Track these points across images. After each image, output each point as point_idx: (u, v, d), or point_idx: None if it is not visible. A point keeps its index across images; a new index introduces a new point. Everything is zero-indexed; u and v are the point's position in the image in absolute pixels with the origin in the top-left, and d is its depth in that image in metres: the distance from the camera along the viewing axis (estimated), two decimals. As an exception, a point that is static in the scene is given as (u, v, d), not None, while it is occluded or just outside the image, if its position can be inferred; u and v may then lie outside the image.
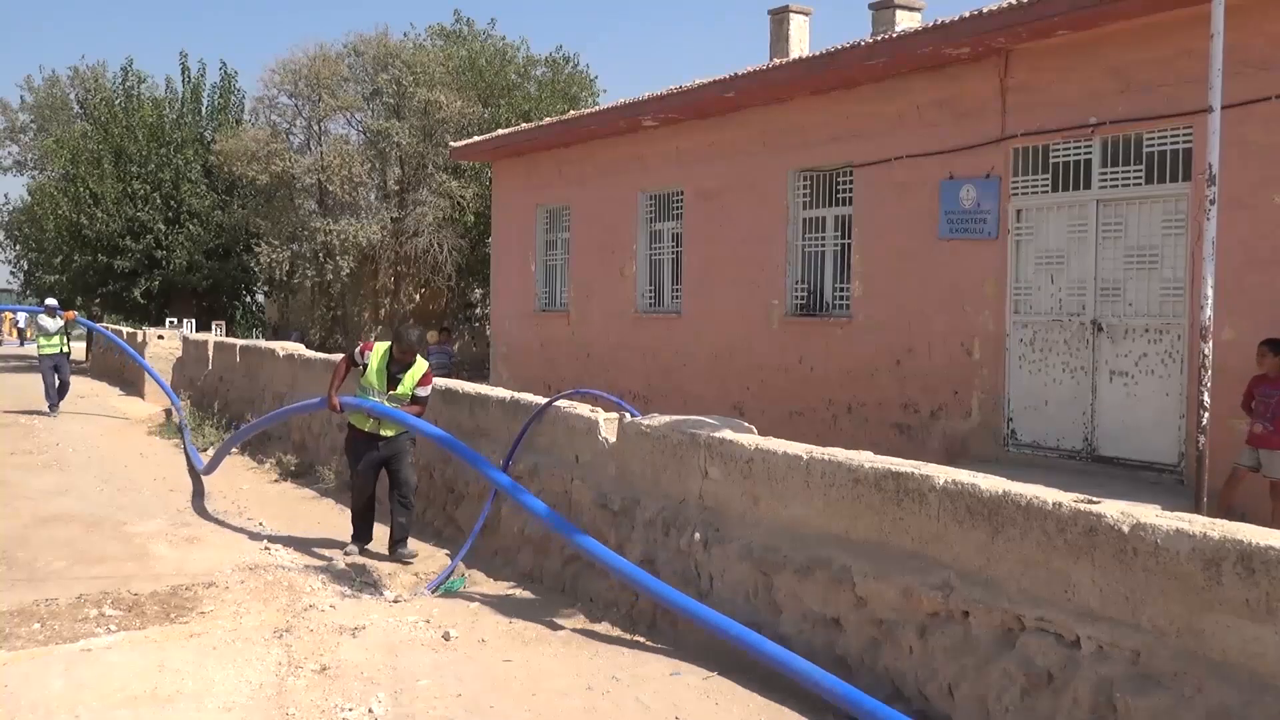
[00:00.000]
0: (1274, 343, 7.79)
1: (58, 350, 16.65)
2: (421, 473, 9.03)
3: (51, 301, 17.40)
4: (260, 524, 8.97)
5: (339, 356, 9.03)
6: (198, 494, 10.21)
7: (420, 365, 7.69)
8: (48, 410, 16.09)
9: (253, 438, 12.69)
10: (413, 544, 7.97)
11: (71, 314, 17.74)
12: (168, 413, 15.61)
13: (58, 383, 16.59)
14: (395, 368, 7.62)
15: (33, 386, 19.92)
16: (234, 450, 12.99)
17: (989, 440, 10.08)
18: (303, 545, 8.19)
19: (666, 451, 6.10)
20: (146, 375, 19.56)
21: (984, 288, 10.16)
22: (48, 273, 30.11)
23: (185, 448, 12.45)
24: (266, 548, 8.01)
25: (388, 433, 7.74)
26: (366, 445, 7.77)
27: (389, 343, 7.66)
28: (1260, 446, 7.78)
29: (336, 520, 9.05)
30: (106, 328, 22.55)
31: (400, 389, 7.62)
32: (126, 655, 5.36)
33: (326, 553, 7.94)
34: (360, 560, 7.82)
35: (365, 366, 7.65)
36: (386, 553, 7.84)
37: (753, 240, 12.85)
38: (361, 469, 7.82)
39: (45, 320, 16.78)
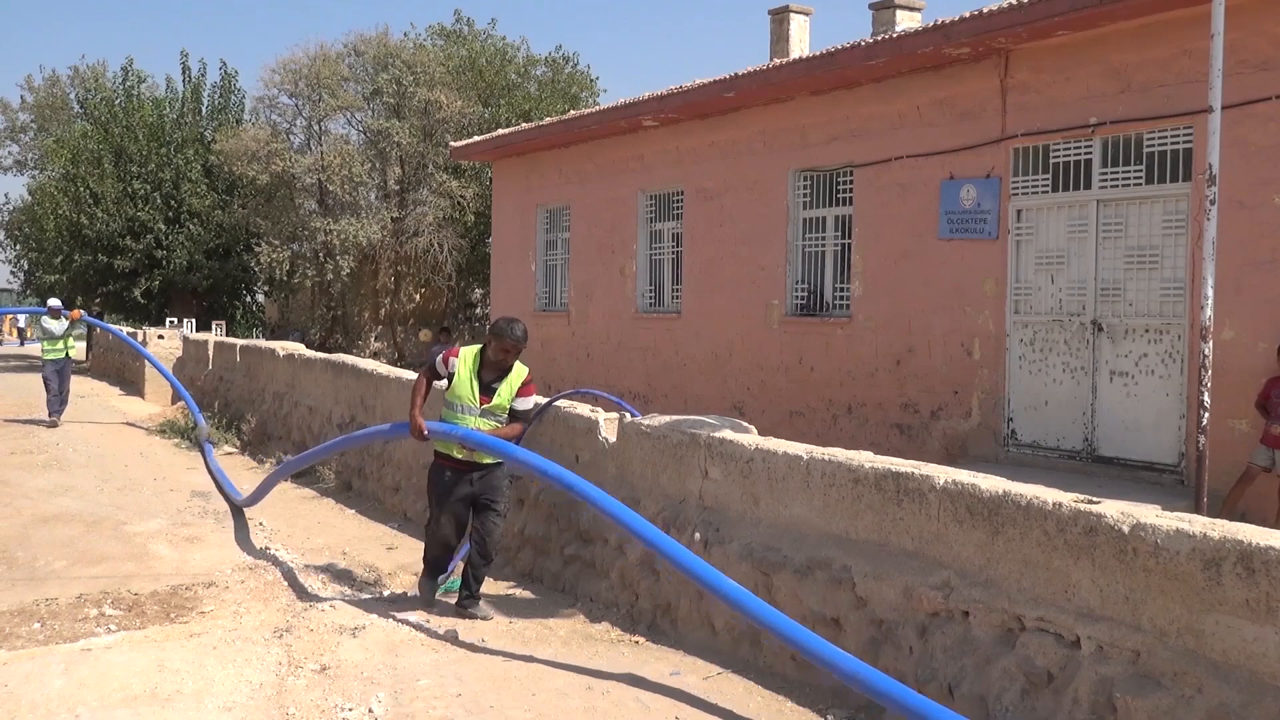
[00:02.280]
0: None
1: (62, 355, 15.57)
2: (420, 472, 9.03)
3: (54, 302, 16.16)
4: (260, 524, 8.97)
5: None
6: (240, 527, 8.74)
7: (520, 371, 6.21)
8: (48, 419, 15.12)
9: (252, 438, 12.72)
10: (414, 545, 7.91)
11: (77, 313, 16.56)
12: (184, 417, 15.45)
13: (60, 390, 15.49)
14: (489, 374, 6.16)
15: (33, 387, 19.95)
16: (233, 450, 13.03)
17: (989, 440, 10.08)
18: (303, 545, 8.19)
19: (666, 451, 6.10)
20: (147, 375, 19.59)
21: (984, 288, 10.16)
22: (48, 272, 30.11)
23: (212, 471, 11.21)
24: (266, 548, 8.01)
25: (486, 461, 6.22)
26: (456, 478, 6.23)
27: (479, 346, 6.28)
28: (1277, 447, 7.81)
29: (336, 520, 9.06)
30: (122, 329, 21.48)
31: (496, 400, 6.15)
32: (126, 655, 5.36)
33: (326, 552, 7.94)
34: (450, 619, 6.19)
35: (452, 377, 6.24)
36: (452, 602, 6.41)
37: (753, 240, 12.85)
38: (447, 507, 6.27)
39: (49, 322, 15.71)
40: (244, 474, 11.54)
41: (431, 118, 23.47)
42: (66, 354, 15.55)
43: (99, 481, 10.66)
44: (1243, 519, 6.82)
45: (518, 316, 6.48)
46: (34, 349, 38.06)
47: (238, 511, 9.30)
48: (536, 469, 5.79)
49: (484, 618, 6.11)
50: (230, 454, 12.82)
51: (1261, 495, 7.99)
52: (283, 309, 29.96)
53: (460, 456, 6.18)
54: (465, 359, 6.22)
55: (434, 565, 6.51)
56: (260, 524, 8.94)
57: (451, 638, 5.71)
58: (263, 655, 5.40)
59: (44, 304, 17.57)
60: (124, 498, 9.87)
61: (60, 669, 5.14)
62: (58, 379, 15.24)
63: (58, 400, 15.19)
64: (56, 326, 15.50)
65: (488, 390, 6.16)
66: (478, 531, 6.27)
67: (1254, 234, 8.17)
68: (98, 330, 17.81)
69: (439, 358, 6.28)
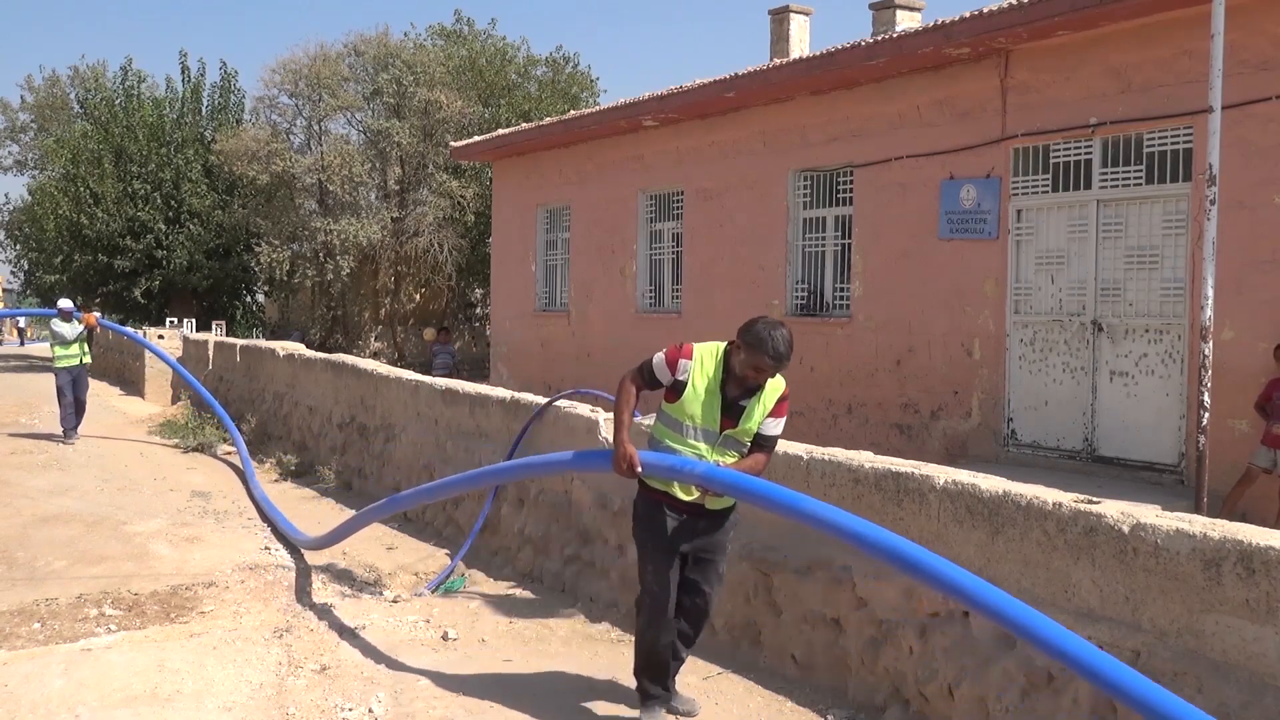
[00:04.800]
0: None
1: (77, 362, 13.67)
2: (421, 472, 9.03)
3: (65, 303, 14.08)
4: (261, 524, 8.96)
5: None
6: (303, 573, 7.36)
7: (776, 385, 4.42)
8: (61, 435, 13.38)
9: (252, 438, 12.71)
10: (414, 545, 7.88)
11: (92, 316, 14.40)
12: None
13: (74, 402, 13.58)
14: (735, 389, 4.36)
15: (33, 387, 19.95)
16: (232, 450, 13.02)
17: (989, 440, 10.08)
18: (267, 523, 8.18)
19: (666, 451, 6.08)
20: (147, 375, 19.60)
21: (984, 288, 10.16)
22: (48, 272, 30.13)
23: (256, 498, 9.77)
24: (266, 548, 8.01)
25: (716, 505, 4.50)
26: (678, 523, 4.47)
27: (720, 347, 4.43)
28: (1278, 448, 7.81)
29: (336, 520, 9.04)
30: (142, 334, 19.66)
31: (744, 423, 4.37)
32: (126, 655, 5.36)
33: (326, 552, 7.94)
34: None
35: (681, 387, 4.38)
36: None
37: (753, 240, 12.85)
38: (664, 557, 4.47)
39: (60, 326, 13.67)
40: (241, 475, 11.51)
41: (431, 118, 23.47)
42: (81, 360, 13.71)
43: (99, 481, 10.66)
44: (1243, 519, 6.83)
45: (779, 321, 4.33)
46: (34, 349, 38.09)
47: (292, 549, 7.99)
48: (833, 525, 3.94)
49: (688, 713, 4.65)
50: (230, 454, 12.82)
51: (1262, 496, 7.99)
52: (283, 309, 29.95)
53: (688, 498, 4.41)
54: (703, 364, 4.37)
55: (658, 662, 4.52)
56: (260, 524, 8.93)
57: (451, 638, 5.71)
58: (263, 655, 5.40)
59: (46, 305, 16.80)
60: (124, 498, 9.87)
61: (60, 669, 5.14)
62: (73, 388, 13.47)
63: (73, 414, 13.46)
64: (69, 330, 13.64)
65: (732, 410, 4.35)
66: (689, 598, 4.52)
67: (1254, 234, 8.17)
68: (97, 330, 16.83)
69: (661, 360, 4.41)
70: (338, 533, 7.24)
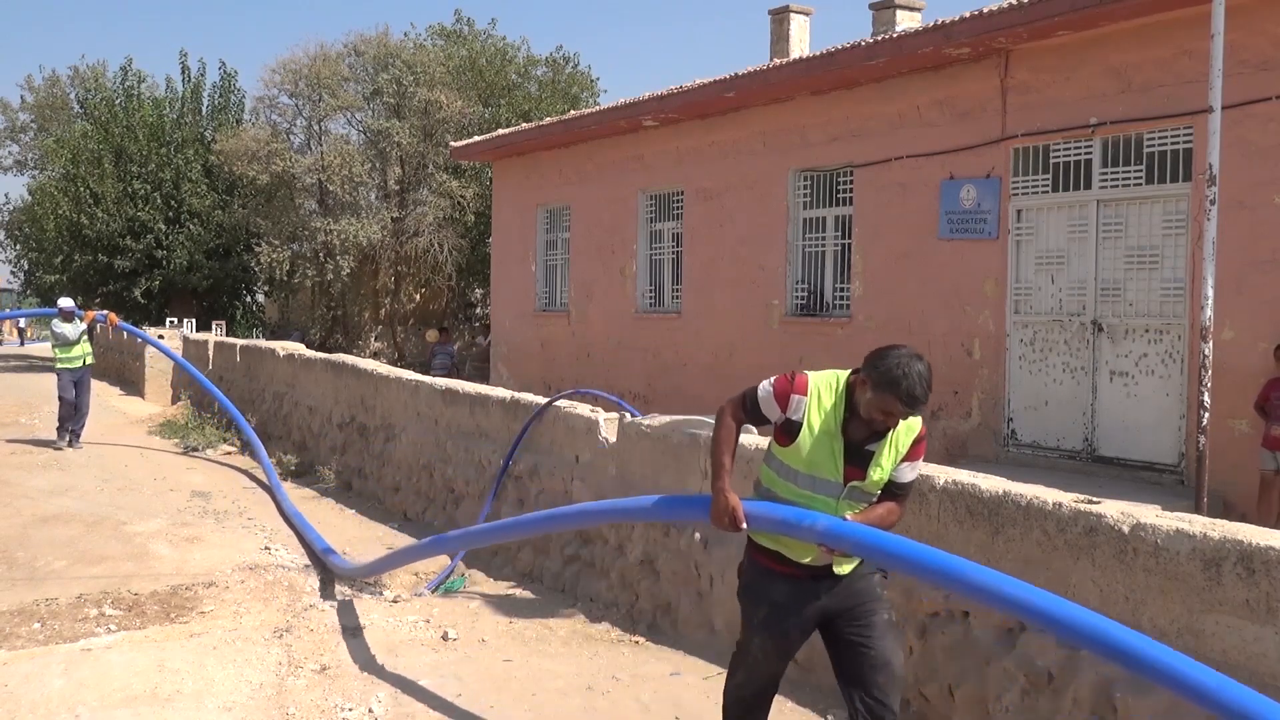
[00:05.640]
0: None
1: (80, 364, 13.12)
2: (420, 472, 9.03)
3: (66, 302, 13.45)
4: (260, 524, 8.96)
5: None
6: (303, 573, 7.31)
7: (911, 425, 3.61)
8: (55, 441, 12.87)
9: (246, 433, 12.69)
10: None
11: (92, 314, 13.72)
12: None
13: (76, 406, 13.02)
14: (860, 431, 3.54)
15: (33, 387, 19.95)
16: (232, 450, 13.02)
17: (989, 440, 10.07)
18: (303, 545, 8.19)
19: (667, 452, 6.10)
20: (146, 375, 19.60)
21: (984, 288, 10.16)
22: (48, 272, 30.13)
23: (285, 511, 9.20)
24: (266, 548, 8.01)
25: (844, 568, 3.66)
26: (794, 590, 3.67)
27: (840, 377, 3.60)
28: (1278, 449, 7.82)
29: (336, 520, 9.06)
30: (154, 334, 18.77)
31: (873, 474, 3.56)
32: (126, 655, 5.36)
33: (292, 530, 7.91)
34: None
35: (794, 428, 3.57)
36: None
37: (753, 240, 12.85)
38: (777, 633, 3.70)
39: (62, 326, 13.06)
40: (245, 475, 11.51)
41: (431, 118, 23.48)
42: (84, 361, 13.19)
43: (99, 481, 10.66)
44: (1243, 519, 6.82)
45: (916, 353, 3.50)
46: (34, 349, 38.09)
47: (323, 569, 7.46)
48: (1007, 598, 3.19)
49: None
50: (230, 454, 12.82)
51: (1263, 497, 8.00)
52: (283, 309, 29.95)
53: (806, 559, 3.60)
54: (821, 400, 3.55)
55: None
56: (260, 524, 8.93)
57: (451, 638, 5.71)
58: (263, 655, 5.40)
59: (47, 305, 16.27)
60: (124, 498, 9.87)
61: (60, 669, 5.14)
62: (74, 391, 12.91)
63: (74, 416, 12.94)
64: (70, 330, 13.05)
65: (858, 457, 3.54)
66: (864, 677, 3.56)
67: (1254, 234, 8.17)
68: (98, 329, 16.27)
69: (768, 393, 3.60)
70: (384, 562, 6.73)
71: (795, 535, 3.54)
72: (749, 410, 3.68)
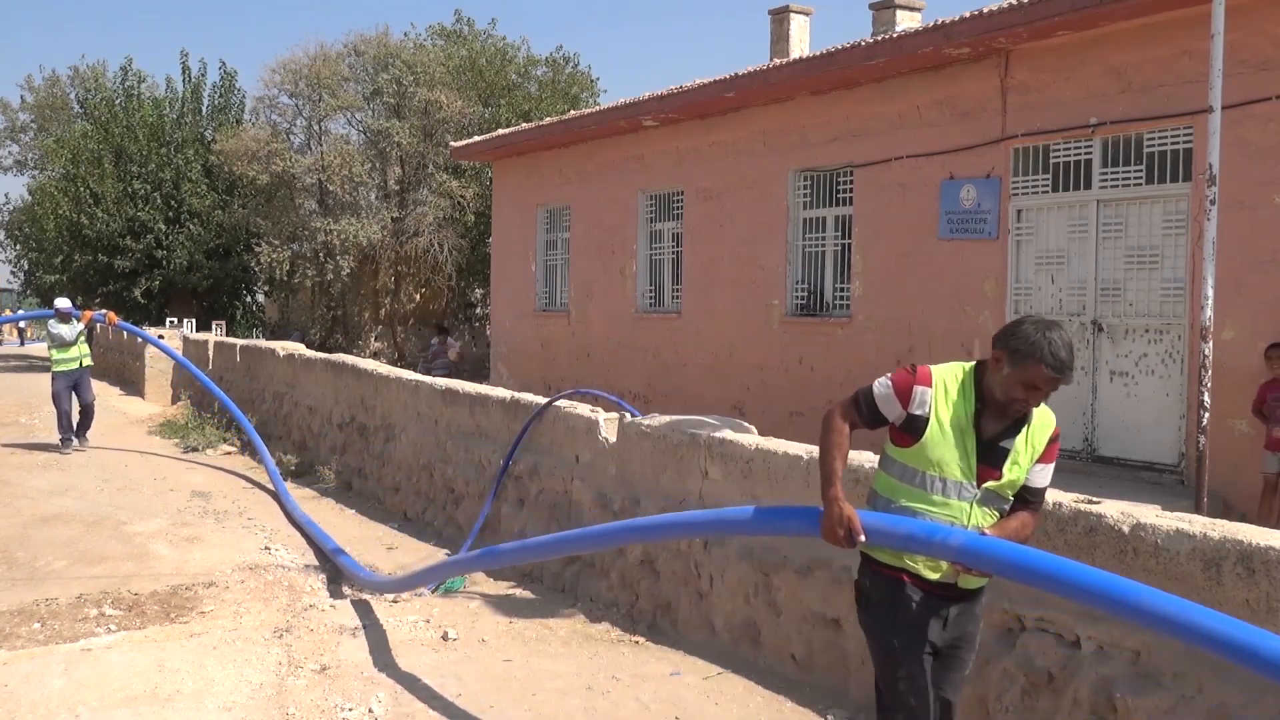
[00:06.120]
0: None
1: (76, 365, 12.86)
2: (420, 472, 9.04)
3: (63, 303, 13.13)
4: (260, 524, 8.96)
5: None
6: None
7: (1045, 421, 3.31)
8: (59, 445, 12.58)
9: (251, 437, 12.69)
10: (414, 545, 7.85)
11: (90, 313, 13.41)
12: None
13: (77, 407, 12.83)
14: (993, 424, 3.22)
15: (33, 387, 19.95)
16: (232, 450, 13.02)
17: (989, 440, 10.07)
18: (303, 545, 8.19)
19: (667, 451, 6.10)
20: (146, 375, 19.60)
21: (984, 288, 10.16)
22: (48, 273, 30.13)
23: (296, 519, 8.87)
24: (266, 548, 8.01)
25: (974, 584, 3.33)
26: (926, 609, 3.28)
27: (966, 368, 3.30)
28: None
29: (337, 520, 9.05)
30: (154, 334, 18.12)
31: (1009, 472, 3.23)
32: (126, 655, 5.36)
33: (327, 553, 7.93)
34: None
35: (918, 425, 3.24)
36: None
37: (753, 240, 12.85)
38: (917, 656, 3.27)
39: (59, 327, 12.79)
40: (244, 474, 11.51)
41: (431, 118, 23.48)
42: (81, 363, 12.91)
43: (99, 481, 10.66)
44: (1242, 519, 6.82)
45: (1052, 320, 3.29)
46: (34, 349, 38.07)
47: (334, 572, 7.30)
48: (1191, 627, 2.75)
49: None
50: (230, 454, 12.82)
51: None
52: (283, 309, 29.95)
53: (934, 576, 3.24)
54: (948, 391, 3.24)
55: None
56: (260, 525, 8.93)
57: (451, 638, 5.71)
58: (263, 655, 5.40)
59: (47, 305, 16.00)
60: (124, 498, 9.87)
61: (60, 669, 5.14)
62: (70, 394, 12.68)
63: (69, 423, 12.63)
64: (67, 331, 12.76)
65: (992, 454, 3.21)
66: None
67: (1254, 234, 8.17)
68: (97, 330, 15.93)
69: (886, 389, 3.27)
70: (419, 576, 6.31)
71: (924, 551, 3.17)
72: (864, 410, 3.32)
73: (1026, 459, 3.22)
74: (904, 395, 3.24)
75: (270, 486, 10.64)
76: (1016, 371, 3.10)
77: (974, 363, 3.28)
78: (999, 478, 3.19)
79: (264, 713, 4.68)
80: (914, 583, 3.26)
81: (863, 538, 3.20)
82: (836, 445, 3.32)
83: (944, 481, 3.21)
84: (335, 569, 7.42)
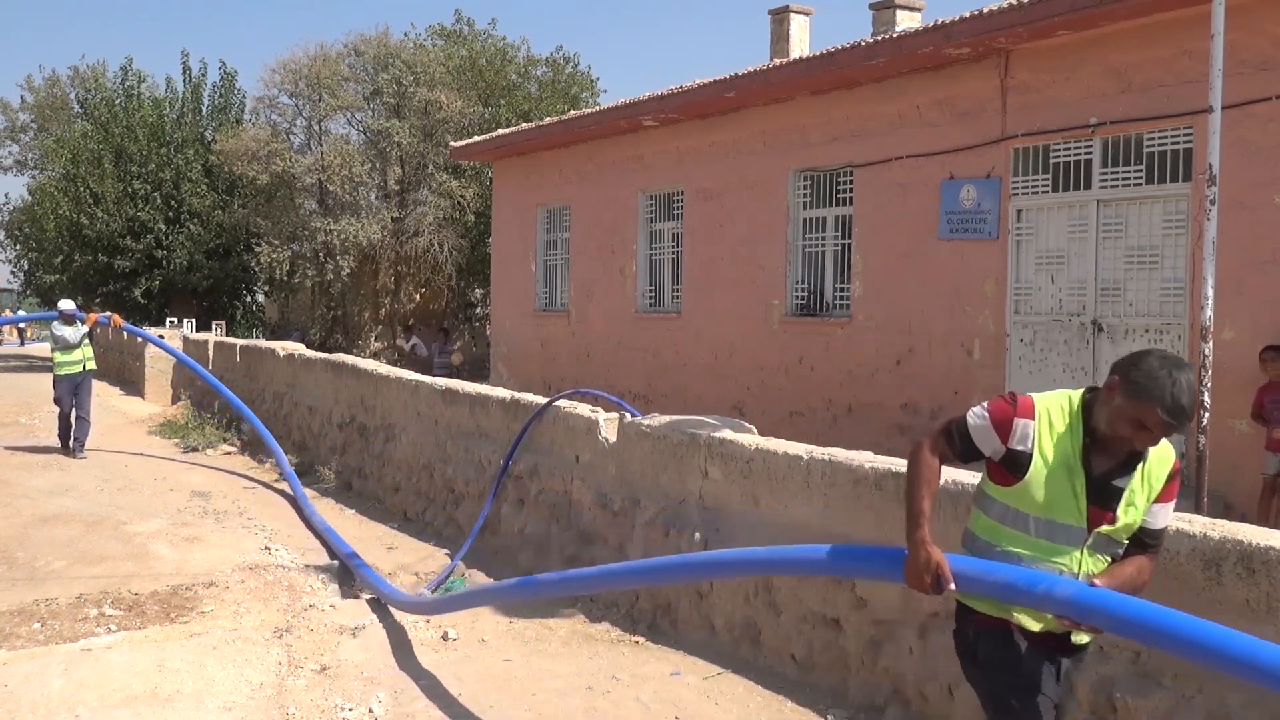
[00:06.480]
0: (1277, 348, 7.82)
1: (80, 369, 12.57)
2: (420, 472, 9.04)
3: (67, 304, 12.93)
4: (260, 524, 8.96)
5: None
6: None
7: (1164, 455, 2.97)
8: (60, 449, 12.45)
9: (252, 438, 12.70)
10: (414, 545, 7.86)
11: (94, 316, 13.28)
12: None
13: (73, 415, 12.47)
14: (1104, 460, 2.91)
15: (33, 387, 19.96)
16: (232, 450, 13.02)
17: (989, 440, 10.07)
18: (303, 545, 8.19)
19: (666, 451, 6.10)
20: (146, 375, 19.60)
21: (984, 288, 10.16)
22: (48, 273, 30.13)
23: (316, 527, 8.53)
24: (266, 548, 8.01)
25: (1085, 637, 3.03)
26: (1036, 658, 3.00)
27: (1076, 395, 2.99)
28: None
29: (336, 520, 9.05)
30: (155, 335, 17.59)
31: (1125, 515, 2.91)
32: (126, 655, 5.36)
33: (326, 552, 7.93)
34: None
35: (1019, 461, 2.95)
36: None
37: (753, 240, 12.85)
38: (1031, 716, 2.98)
39: (63, 329, 12.54)
40: (244, 473, 11.51)
41: (431, 118, 23.49)
42: (84, 367, 12.64)
43: (99, 481, 10.66)
44: (1243, 519, 6.82)
45: (1179, 358, 2.87)
46: (34, 349, 38.08)
47: (344, 574, 7.18)
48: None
49: None
50: (230, 454, 12.82)
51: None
52: (283, 309, 29.95)
53: (1037, 626, 2.95)
54: (1053, 424, 2.93)
55: None
56: (260, 525, 8.93)
57: (451, 638, 5.71)
58: (263, 655, 5.40)
59: (47, 305, 15.76)
60: (124, 498, 9.87)
61: (60, 669, 5.14)
62: (72, 398, 12.41)
63: (69, 428, 12.45)
64: (71, 333, 12.52)
65: (1104, 494, 2.89)
66: None
67: (1254, 234, 8.17)
68: (98, 331, 15.60)
69: (982, 420, 2.98)
70: (455, 601, 5.81)
71: (1025, 603, 2.86)
72: (957, 444, 3.02)
73: (1143, 499, 2.90)
74: (1003, 428, 2.93)
75: (274, 485, 10.65)
76: (1129, 405, 2.78)
77: (1081, 391, 2.98)
78: (1113, 521, 2.87)
79: (264, 713, 4.68)
80: (1021, 632, 2.97)
81: (952, 586, 2.93)
82: (925, 481, 3.02)
83: (1050, 524, 2.89)
84: (335, 569, 7.41)
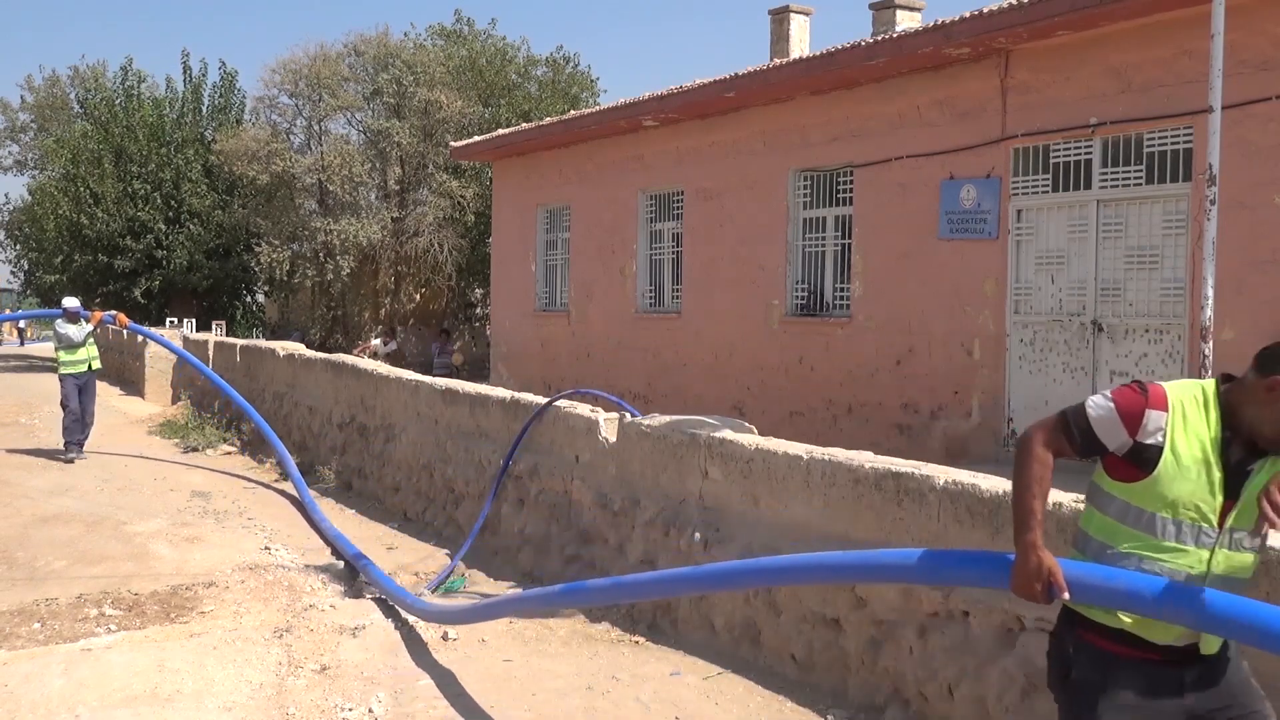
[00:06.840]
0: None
1: (85, 368, 12.33)
2: (420, 472, 9.04)
3: (71, 302, 12.69)
4: (260, 524, 8.96)
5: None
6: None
7: None
8: (62, 451, 12.11)
9: (252, 438, 12.70)
10: (414, 545, 7.86)
11: (99, 314, 13.00)
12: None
13: (83, 412, 12.20)
14: (1238, 450, 2.61)
15: (33, 387, 19.96)
16: (232, 450, 13.02)
17: (989, 440, 10.07)
18: (303, 545, 8.19)
19: (666, 451, 6.10)
20: (146, 375, 19.60)
21: (984, 288, 10.16)
22: (48, 273, 30.14)
23: (324, 532, 8.37)
24: (266, 548, 8.01)
25: (1213, 648, 2.69)
26: (1152, 683, 2.67)
27: (1210, 385, 2.69)
28: None
29: (336, 520, 9.05)
30: (164, 335, 17.28)
31: (1244, 496, 2.61)
32: (126, 655, 5.36)
33: (326, 552, 7.94)
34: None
35: (1148, 455, 2.61)
36: None
37: (753, 240, 12.85)
38: None
39: (66, 327, 12.29)
40: (244, 473, 11.51)
41: (431, 118, 23.48)
42: (89, 366, 12.38)
43: (99, 481, 10.66)
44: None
45: None
46: (35, 349, 38.08)
47: (352, 576, 7.12)
48: None
49: None
50: (230, 454, 12.82)
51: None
52: (283, 309, 29.95)
53: (1165, 640, 2.65)
54: (1185, 414, 2.64)
55: None
56: (260, 525, 8.93)
57: (451, 638, 5.71)
58: (263, 655, 5.40)
59: (47, 305, 15.62)
60: (124, 498, 9.87)
61: (60, 669, 5.14)
62: (78, 398, 12.10)
63: (79, 424, 12.13)
64: (75, 331, 12.27)
65: (1237, 485, 2.62)
66: None
67: (1254, 234, 8.18)
68: (97, 331, 15.48)
69: (1108, 411, 2.65)
70: (481, 610, 5.51)
71: (1154, 614, 2.58)
72: (1076, 436, 2.69)
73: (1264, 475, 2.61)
74: (1131, 420, 2.61)
75: (274, 485, 10.65)
76: (1273, 392, 2.52)
77: (1214, 380, 2.71)
78: (1246, 517, 2.61)
79: (264, 713, 4.68)
80: (1137, 653, 2.66)
81: (1066, 595, 2.63)
82: (1037, 480, 2.69)
83: (1179, 524, 2.59)
84: (335, 569, 7.41)
